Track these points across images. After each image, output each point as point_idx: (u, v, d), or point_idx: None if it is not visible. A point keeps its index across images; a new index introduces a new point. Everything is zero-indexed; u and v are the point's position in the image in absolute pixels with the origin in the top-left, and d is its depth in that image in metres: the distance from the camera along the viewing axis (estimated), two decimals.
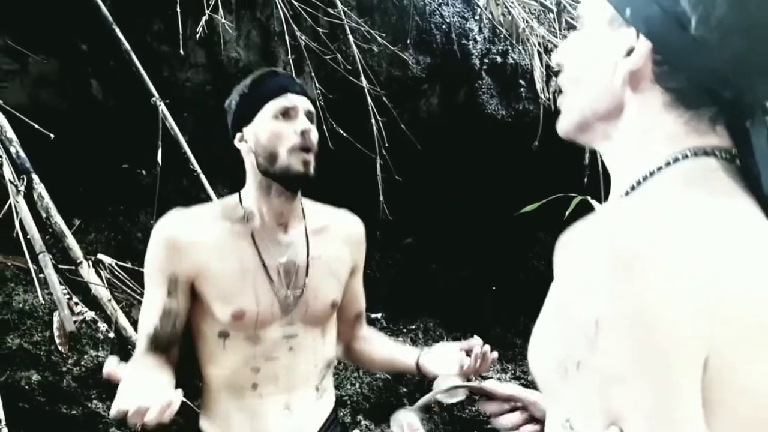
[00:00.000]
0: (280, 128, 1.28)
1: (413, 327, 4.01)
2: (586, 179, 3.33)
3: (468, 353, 1.36)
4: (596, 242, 0.51)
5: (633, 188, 0.60)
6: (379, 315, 3.81)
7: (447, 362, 1.37)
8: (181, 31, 2.38)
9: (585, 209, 2.07)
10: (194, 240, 1.27)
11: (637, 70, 0.60)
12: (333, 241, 1.41)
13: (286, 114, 1.29)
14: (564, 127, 0.69)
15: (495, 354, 1.37)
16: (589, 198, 1.94)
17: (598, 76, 0.63)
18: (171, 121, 2.21)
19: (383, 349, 1.56)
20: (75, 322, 2.04)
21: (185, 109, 3.40)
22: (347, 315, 1.49)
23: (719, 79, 0.57)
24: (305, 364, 1.37)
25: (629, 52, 0.60)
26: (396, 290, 4.19)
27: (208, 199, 2.70)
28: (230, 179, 3.98)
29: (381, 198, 2.97)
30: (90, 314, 2.18)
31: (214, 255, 1.28)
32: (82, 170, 3.24)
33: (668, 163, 0.59)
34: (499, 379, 3.63)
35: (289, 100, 1.30)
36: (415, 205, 3.78)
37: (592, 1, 0.65)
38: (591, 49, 0.65)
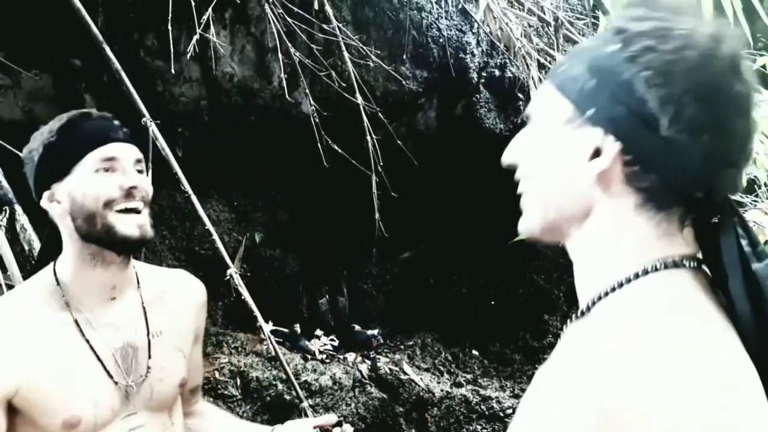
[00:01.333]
0: (101, 184, 1.06)
1: (411, 343, 3.97)
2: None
3: (322, 430, 1.24)
4: (584, 392, 0.51)
5: (606, 294, 0.59)
6: (376, 331, 3.77)
7: None
8: (172, 48, 2.35)
9: None
10: (7, 353, 1.02)
11: (606, 171, 0.59)
12: (174, 309, 1.21)
13: (109, 168, 1.07)
14: (527, 228, 0.67)
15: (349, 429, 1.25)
16: None
17: (561, 177, 0.62)
18: (162, 142, 2.17)
19: (226, 427, 1.38)
20: None
21: (180, 124, 3.38)
22: (184, 391, 1.27)
23: (690, 178, 0.57)
24: None
25: (596, 153, 0.59)
26: (393, 306, 4.15)
27: (200, 217, 2.66)
28: (225, 194, 3.97)
29: (377, 216, 2.93)
30: None
31: (35, 362, 1.03)
32: None
33: (637, 275, 0.58)
34: (497, 397, 3.58)
35: (111, 150, 1.08)
36: (411, 220, 3.74)
37: (544, 99, 0.64)
38: (548, 149, 0.63)
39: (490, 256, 4.32)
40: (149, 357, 1.15)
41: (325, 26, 2.93)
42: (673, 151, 0.56)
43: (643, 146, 0.57)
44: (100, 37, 1.97)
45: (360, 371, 3.27)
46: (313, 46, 2.91)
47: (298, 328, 3.55)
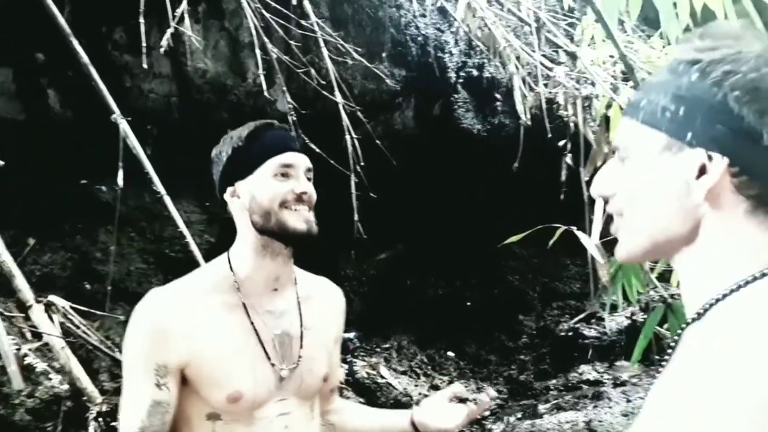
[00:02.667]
0: (278, 188, 1.20)
1: (387, 346, 3.91)
2: (562, 196, 3.29)
3: (460, 400, 1.33)
4: (739, 393, 0.54)
5: (722, 297, 0.63)
6: (352, 335, 3.70)
7: (449, 414, 1.32)
8: (144, 42, 2.24)
9: (568, 236, 2.01)
10: (184, 328, 1.16)
11: (716, 185, 0.64)
12: (321, 310, 1.33)
13: (286, 174, 1.21)
14: (630, 253, 0.72)
15: (492, 392, 1.37)
16: (574, 229, 1.88)
17: (667, 200, 0.67)
18: (133, 140, 2.07)
19: (366, 418, 1.47)
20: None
21: (149, 121, 3.25)
22: (325, 388, 1.37)
23: None
24: None
25: (701, 171, 0.64)
26: (370, 308, 4.09)
27: (171, 217, 2.55)
28: (196, 195, 3.84)
29: (356, 217, 2.86)
30: (42, 366, 2.03)
31: (207, 338, 1.17)
32: (37, 186, 3.06)
33: (755, 278, 0.62)
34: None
35: (289, 158, 1.22)
36: (389, 221, 3.68)
37: (634, 133, 0.70)
38: (648, 176, 0.69)
39: (466, 256, 4.30)
40: (301, 347, 1.25)
41: (303, 22, 2.84)
42: None
43: (749, 157, 0.63)
44: (68, 30, 1.85)
45: None
46: (291, 42, 2.83)
47: None
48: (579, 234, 1.83)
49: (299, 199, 1.21)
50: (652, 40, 3.36)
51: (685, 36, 0.70)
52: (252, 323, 1.21)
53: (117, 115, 2.00)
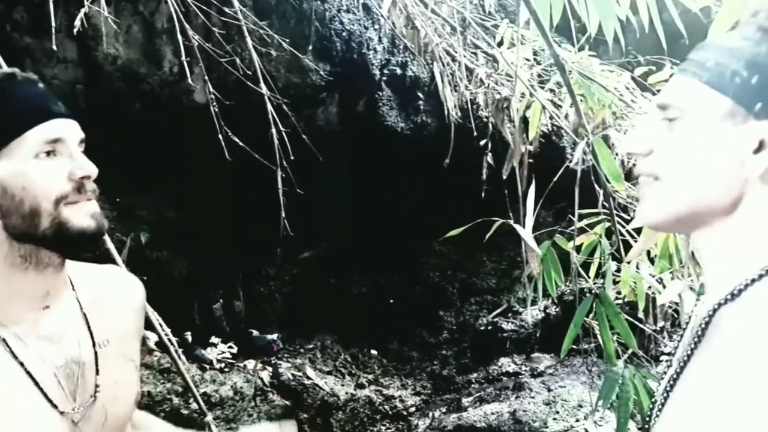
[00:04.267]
0: (42, 172, 0.84)
1: (311, 346, 3.84)
2: (483, 193, 3.37)
3: None
4: None
5: (759, 277, 0.61)
6: (275, 336, 3.59)
7: None
8: (54, 23, 2.04)
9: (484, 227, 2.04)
10: None
11: None
12: (116, 313, 1.01)
13: (53, 151, 0.85)
14: (659, 217, 0.69)
15: None
16: (511, 222, 1.92)
17: (718, 170, 0.63)
18: None
19: None
20: None
21: None
22: None
23: None
24: None
25: (761, 146, 0.61)
26: (293, 307, 3.99)
27: None
28: (105, 190, 3.57)
29: (283, 213, 2.77)
30: None
31: None
32: None
33: None
34: (399, 396, 3.57)
35: (55, 129, 0.85)
36: (312, 219, 3.61)
37: (695, 94, 0.65)
38: (701, 144, 0.64)
39: (389, 254, 4.31)
40: (97, 373, 0.93)
41: (226, 9, 2.72)
42: None
43: None
44: None
45: (261, 379, 3.09)
46: (213, 29, 2.69)
47: (189, 336, 3.29)
48: (516, 226, 1.87)
49: (81, 186, 0.86)
50: (565, 46, 3.53)
51: (763, 5, 0.64)
52: (20, 362, 0.86)
53: None
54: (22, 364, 0.86)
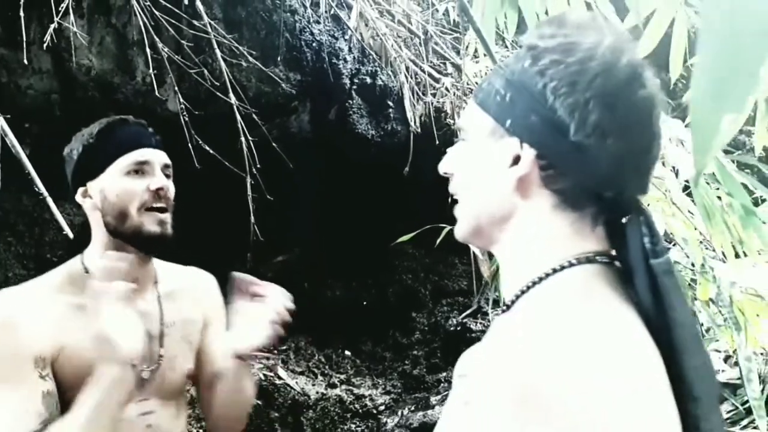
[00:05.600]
0: (131, 186, 1.16)
1: (284, 348, 3.93)
2: (450, 199, 3.49)
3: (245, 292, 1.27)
4: (501, 376, 0.53)
5: (523, 292, 0.64)
6: None
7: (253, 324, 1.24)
8: (25, 36, 2.13)
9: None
10: (44, 318, 1.11)
11: (525, 176, 0.63)
12: (185, 303, 1.30)
13: (139, 170, 1.18)
14: (461, 232, 0.71)
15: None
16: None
17: (487, 183, 0.66)
18: (12, 138, 1.96)
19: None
20: None
21: (27, 118, 3.06)
22: (206, 375, 1.33)
23: (600, 179, 0.61)
24: None
25: (515, 160, 0.63)
26: None
27: (53, 220, 2.44)
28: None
29: (252, 219, 2.87)
30: None
31: (67, 332, 1.12)
32: None
33: (554, 270, 0.62)
34: (370, 395, 3.67)
35: (143, 155, 1.18)
36: (286, 224, 3.71)
37: (472, 115, 0.68)
38: (476, 159, 0.67)
39: (362, 258, 4.41)
40: (161, 345, 1.22)
41: (195, 22, 2.82)
42: (582, 154, 0.60)
43: (556, 151, 0.61)
44: None
45: None
46: (183, 42, 2.79)
47: None
48: None
49: (156, 196, 1.17)
50: None
51: (540, 22, 0.67)
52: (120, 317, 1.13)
53: None
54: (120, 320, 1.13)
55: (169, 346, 1.24)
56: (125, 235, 1.17)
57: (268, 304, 1.26)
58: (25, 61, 2.22)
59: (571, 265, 0.62)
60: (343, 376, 3.99)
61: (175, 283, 1.31)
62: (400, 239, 2.21)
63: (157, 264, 1.30)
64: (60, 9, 2.12)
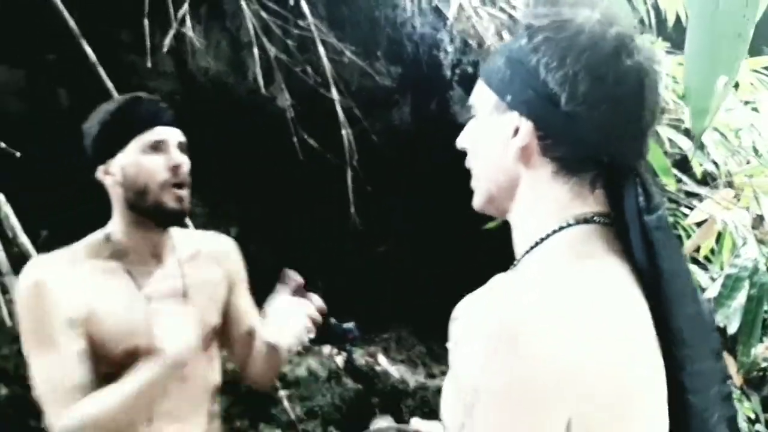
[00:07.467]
0: (149, 163, 1.22)
1: (386, 336, 4.02)
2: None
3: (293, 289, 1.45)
4: (482, 315, 0.59)
5: (530, 249, 0.69)
6: (351, 324, 3.81)
7: (292, 318, 1.40)
8: (148, 43, 2.37)
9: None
10: (72, 281, 1.18)
11: (525, 146, 0.68)
12: (205, 264, 1.38)
13: (156, 147, 1.23)
14: (477, 202, 0.78)
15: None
16: None
17: (493, 155, 0.72)
18: None
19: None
20: None
21: None
22: (238, 333, 1.43)
23: (593, 146, 0.66)
24: (196, 391, 1.33)
25: (516, 132, 0.69)
26: (368, 299, 4.19)
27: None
28: (196, 188, 3.96)
29: (352, 209, 2.98)
30: None
31: (96, 294, 1.20)
32: (50, 180, 3.19)
33: (554, 231, 0.67)
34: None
35: (158, 133, 1.23)
36: (387, 214, 3.79)
37: (480, 92, 0.75)
38: (483, 133, 0.74)
39: (463, 249, 4.39)
40: (185, 304, 1.29)
41: (300, 22, 2.96)
42: (575, 123, 0.65)
43: (551, 121, 0.66)
44: (77, 31, 1.98)
45: (336, 363, 3.32)
46: (288, 42, 2.95)
47: None
48: None
49: (174, 173, 1.22)
50: None
51: (538, 1, 0.73)
52: (137, 284, 1.25)
53: None
54: (139, 288, 1.25)
55: (193, 301, 1.30)
56: (146, 211, 1.24)
57: (309, 300, 1.42)
58: (149, 65, 2.45)
59: (569, 225, 0.67)
60: (443, 368, 4.01)
61: (194, 246, 1.38)
62: (487, 225, 2.18)
63: (176, 233, 1.36)
64: (178, 16, 2.33)
